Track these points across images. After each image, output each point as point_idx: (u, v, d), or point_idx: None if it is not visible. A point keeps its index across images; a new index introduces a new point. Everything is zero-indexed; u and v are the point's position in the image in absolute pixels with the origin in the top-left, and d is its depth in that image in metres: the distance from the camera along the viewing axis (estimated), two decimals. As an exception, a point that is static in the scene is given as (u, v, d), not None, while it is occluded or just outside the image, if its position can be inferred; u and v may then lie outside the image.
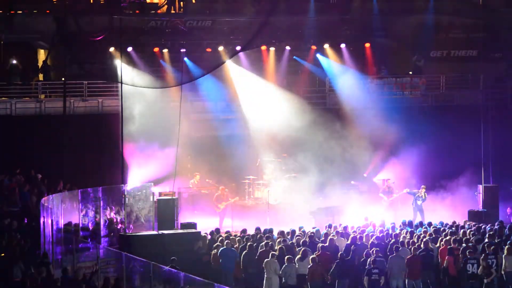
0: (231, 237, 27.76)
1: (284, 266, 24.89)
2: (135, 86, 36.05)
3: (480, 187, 35.50)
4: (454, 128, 37.70)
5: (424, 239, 26.67)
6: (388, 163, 37.93)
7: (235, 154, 37.58)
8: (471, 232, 28.18)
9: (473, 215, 34.02)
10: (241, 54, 38.55)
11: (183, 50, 37.80)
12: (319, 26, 39.78)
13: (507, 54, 41.05)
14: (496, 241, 27.15)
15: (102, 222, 30.81)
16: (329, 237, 27.01)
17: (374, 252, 25.25)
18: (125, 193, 30.70)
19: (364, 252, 25.72)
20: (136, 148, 35.01)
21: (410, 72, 41.92)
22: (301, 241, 26.85)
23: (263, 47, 39.62)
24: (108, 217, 31.65)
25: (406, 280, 25.38)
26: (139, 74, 37.57)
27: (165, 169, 34.43)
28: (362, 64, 40.53)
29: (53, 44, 38.16)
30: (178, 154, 32.99)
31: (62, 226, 29.37)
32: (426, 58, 41.85)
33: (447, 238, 26.91)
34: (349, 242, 26.63)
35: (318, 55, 40.25)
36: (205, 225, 32.15)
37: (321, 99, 40.28)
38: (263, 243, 26.36)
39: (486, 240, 27.01)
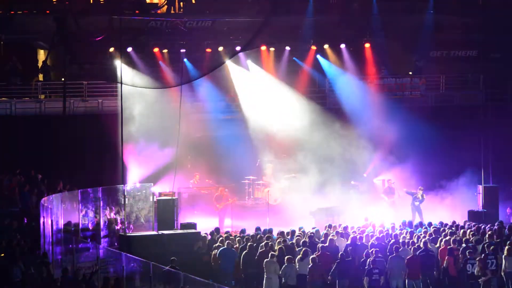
0: (230, 237, 27.78)
1: (284, 266, 24.90)
2: (135, 86, 36.05)
3: (480, 187, 35.49)
4: (454, 128, 37.68)
5: (424, 239, 26.68)
6: (388, 163, 37.94)
7: (235, 154, 37.56)
8: (471, 233, 28.19)
9: (473, 215, 34.03)
10: (241, 54, 38.56)
11: (183, 50, 37.80)
12: (319, 26, 39.78)
13: (507, 54, 41.04)
14: (496, 241, 27.16)
15: (102, 222, 30.81)
16: (329, 237, 27.01)
17: (374, 252, 25.26)
18: (125, 193, 30.70)
19: (364, 253, 25.73)
20: (136, 148, 35.01)
21: (410, 72, 41.93)
22: (301, 241, 26.84)
23: (263, 47, 39.62)
24: (108, 217, 31.66)
25: (406, 280, 25.38)
26: (139, 74, 37.56)
27: (165, 169, 34.44)
28: (362, 65, 40.51)
29: (53, 44, 38.15)
30: (178, 154, 32.98)
31: (62, 226, 29.37)
32: (426, 58, 41.86)
33: (447, 238, 26.92)
34: (349, 242, 26.63)
35: (318, 56, 40.26)
36: (205, 225, 32.14)
37: (321, 99, 40.28)
38: (263, 243, 26.36)
39: (486, 240, 27.03)
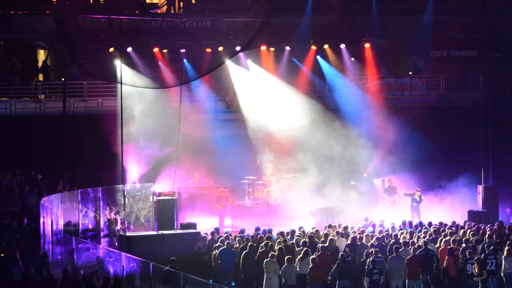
0: (230, 237, 27.78)
1: (283, 266, 24.89)
2: (135, 86, 36.06)
3: (480, 187, 35.50)
4: (454, 128, 37.69)
5: (424, 239, 26.68)
6: (388, 163, 37.95)
7: (235, 154, 37.59)
8: (471, 233, 28.19)
9: (473, 216, 34.03)
10: (241, 54, 38.57)
11: (183, 50, 37.81)
12: (319, 26, 39.79)
13: (507, 54, 41.04)
14: (495, 241, 27.16)
15: (102, 222, 30.82)
16: (329, 238, 27.02)
17: (373, 252, 25.26)
18: (125, 193, 30.70)
19: (364, 253, 25.74)
20: (136, 148, 35.01)
21: (410, 72, 41.93)
22: (301, 241, 26.84)
23: (263, 47, 39.63)
24: (108, 217, 31.67)
25: (406, 281, 25.38)
26: (139, 74, 37.57)
27: (164, 169, 34.45)
28: (362, 65, 40.52)
29: (53, 44, 38.16)
30: (178, 154, 32.99)
31: (62, 226, 29.38)
32: (426, 58, 41.87)
33: (447, 238, 26.91)
34: (349, 242, 26.63)
35: (318, 57, 40.28)
36: (205, 225, 32.16)
37: (321, 98, 40.28)
38: (263, 243, 26.35)
39: (486, 240, 27.04)
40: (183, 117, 33.63)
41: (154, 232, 30.42)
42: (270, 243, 26.35)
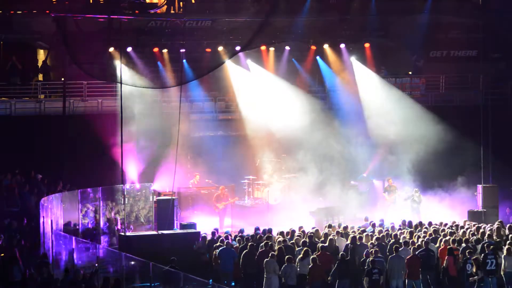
0: (230, 237, 27.78)
1: (283, 266, 24.90)
2: (135, 86, 36.07)
3: (480, 187, 35.49)
4: (454, 128, 37.69)
5: (424, 239, 26.69)
6: (388, 163, 37.95)
7: (235, 154, 37.61)
8: (471, 232, 28.19)
9: (472, 215, 34.03)
10: (241, 54, 38.58)
11: (182, 50, 37.82)
12: (319, 26, 39.79)
13: (507, 54, 41.04)
14: (495, 241, 27.17)
15: (102, 222, 30.84)
16: (329, 237, 27.02)
17: (373, 252, 25.26)
18: (125, 193, 30.71)
19: (364, 253, 25.74)
20: (136, 148, 35.01)
21: (410, 72, 41.93)
22: (301, 241, 26.85)
23: (263, 47, 39.63)
24: (108, 217, 31.70)
25: (406, 280, 25.38)
26: (139, 74, 37.57)
27: (164, 169, 34.46)
28: (362, 64, 40.53)
29: (53, 44, 38.15)
30: (177, 154, 33.00)
31: (62, 226, 29.40)
32: (426, 58, 41.86)
33: (447, 238, 26.93)
34: (349, 242, 26.63)
35: (318, 58, 40.29)
36: (205, 225, 32.15)
37: (320, 98, 40.27)
38: (263, 243, 26.36)
39: (486, 240, 27.04)
40: (183, 117, 33.61)
41: (154, 232, 30.42)
42: (270, 243, 26.35)
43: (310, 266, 24.80)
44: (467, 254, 25.58)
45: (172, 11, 39.22)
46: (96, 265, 24.35)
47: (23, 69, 38.90)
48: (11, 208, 31.84)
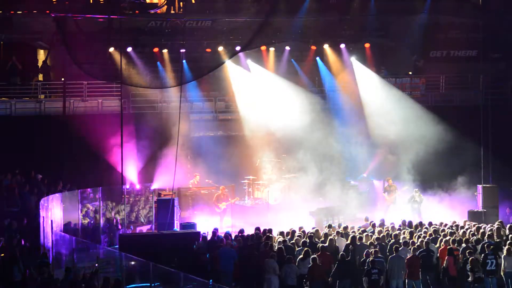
0: (230, 237, 27.78)
1: (283, 266, 24.90)
2: (135, 86, 36.06)
3: (480, 187, 35.49)
4: (454, 128, 37.69)
5: (424, 239, 26.69)
6: (388, 162, 37.96)
7: (235, 154, 37.62)
8: (471, 233, 28.20)
9: (472, 215, 34.02)
10: (241, 54, 38.59)
11: (182, 50, 37.83)
12: (319, 26, 39.79)
13: (507, 54, 41.03)
14: (495, 241, 27.17)
15: (102, 222, 30.84)
16: (329, 237, 27.02)
17: (373, 252, 25.27)
18: (125, 193, 30.72)
19: (364, 252, 25.74)
20: (136, 148, 35.02)
21: (410, 72, 41.93)
22: (301, 241, 26.85)
23: (263, 47, 39.64)
24: (108, 217, 31.71)
25: (406, 280, 25.39)
26: (139, 74, 37.58)
27: (164, 169, 34.48)
28: (362, 64, 40.56)
29: (53, 44, 38.16)
30: (177, 154, 33.02)
31: (62, 226, 29.41)
32: (426, 58, 41.86)
33: (447, 238, 26.94)
34: (349, 242, 26.64)
35: (318, 59, 40.30)
36: (205, 225, 32.16)
37: (321, 98, 40.28)
38: (263, 243, 26.36)
39: (486, 240, 27.05)
40: (183, 116, 33.61)
41: (154, 232, 30.41)
42: (270, 243, 26.36)
43: (309, 266, 24.80)
44: (467, 254, 25.60)
45: (172, 11, 39.23)
46: (96, 265, 24.32)
47: (23, 69, 38.91)
48: (11, 208, 31.84)
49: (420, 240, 26.84)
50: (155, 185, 34.19)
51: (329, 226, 29.35)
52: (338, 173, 36.84)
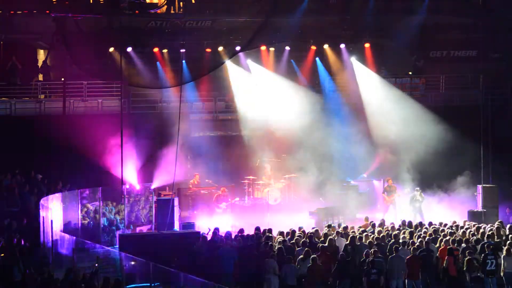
0: (230, 237, 27.78)
1: (283, 266, 24.89)
2: (135, 86, 36.05)
3: (480, 187, 35.50)
4: (454, 128, 37.70)
5: (424, 239, 26.70)
6: (388, 162, 37.96)
7: (235, 154, 37.62)
8: (471, 233, 28.20)
9: (472, 215, 34.04)
10: (241, 54, 38.59)
11: (183, 50, 37.83)
12: (319, 26, 39.79)
13: (507, 54, 41.03)
14: (495, 241, 27.18)
15: (102, 222, 30.83)
16: (329, 237, 27.02)
17: (373, 252, 25.27)
18: (125, 193, 30.71)
19: (364, 252, 25.74)
20: (135, 148, 35.02)
21: (410, 72, 41.94)
22: (301, 241, 26.84)
23: (263, 47, 39.64)
24: (108, 217, 31.70)
25: (406, 280, 25.39)
26: (139, 74, 37.59)
27: (164, 169, 34.49)
28: (362, 64, 40.56)
29: (53, 44, 38.16)
30: (177, 154, 33.03)
31: (62, 226, 29.40)
32: (426, 58, 41.85)
33: (447, 238, 26.94)
34: (349, 242, 26.64)
35: (317, 59, 40.30)
36: (205, 225, 32.16)
37: (321, 98, 40.27)
38: (263, 243, 26.36)
39: (485, 240, 27.05)
40: (182, 117, 33.61)
41: (154, 232, 30.42)
42: (270, 243, 26.36)
43: (309, 266, 24.78)
44: (467, 254, 25.59)
45: (172, 11, 39.23)
46: (96, 265, 24.33)
47: (23, 69, 38.90)
48: (11, 208, 31.82)
49: (420, 240, 26.85)
50: (154, 185, 34.18)
51: (329, 226, 29.35)
52: (338, 173, 36.85)
